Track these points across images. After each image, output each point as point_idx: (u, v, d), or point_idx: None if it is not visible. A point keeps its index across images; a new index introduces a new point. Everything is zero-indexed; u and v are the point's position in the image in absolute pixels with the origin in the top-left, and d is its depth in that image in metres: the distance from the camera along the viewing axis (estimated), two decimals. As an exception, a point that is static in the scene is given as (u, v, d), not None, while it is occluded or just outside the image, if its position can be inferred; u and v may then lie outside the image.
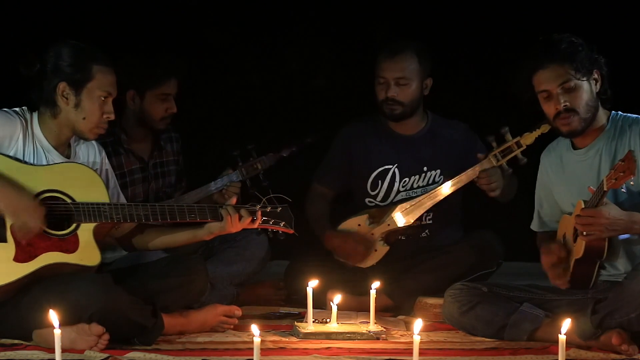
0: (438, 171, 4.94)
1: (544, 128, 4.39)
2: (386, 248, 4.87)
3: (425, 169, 4.94)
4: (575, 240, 4.05)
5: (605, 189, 3.82)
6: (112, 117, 4.02)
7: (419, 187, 4.94)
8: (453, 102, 5.31)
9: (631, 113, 4.12)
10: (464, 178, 4.70)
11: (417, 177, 4.94)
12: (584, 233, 3.92)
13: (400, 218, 4.82)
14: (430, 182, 4.94)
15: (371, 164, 4.96)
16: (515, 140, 4.59)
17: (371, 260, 4.88)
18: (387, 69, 4.82)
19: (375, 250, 4.88)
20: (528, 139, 4.54)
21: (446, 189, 4.75)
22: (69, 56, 3.96)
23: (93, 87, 3.96)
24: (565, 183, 4.18)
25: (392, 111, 4.87)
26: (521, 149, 4.58)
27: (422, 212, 4.82)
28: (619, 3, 5.52)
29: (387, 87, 4.83)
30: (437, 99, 4.96)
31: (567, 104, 4.00)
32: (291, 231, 4.23)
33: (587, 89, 4.02)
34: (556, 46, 4.02)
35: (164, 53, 4.76)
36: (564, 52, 4.01)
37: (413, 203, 4.82)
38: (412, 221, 4.82)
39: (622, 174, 3.75)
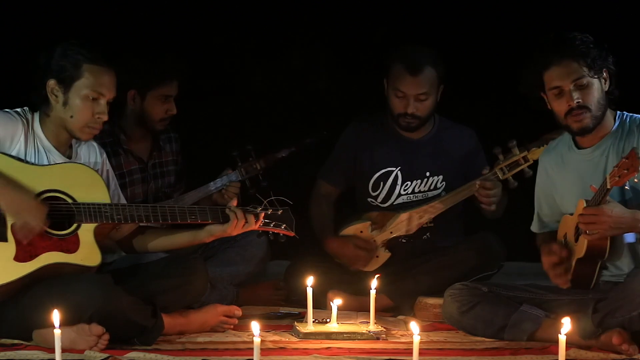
0: (440, 177, 4.92)
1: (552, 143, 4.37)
2: (388, 254, 4.87)
3: (427, 174, 4.93)
4: (576, 240, 4.05)
5: (608, 186, 3.80)
6: (105, 118, 4.00)
7: (420, 192, 4.93)
8: (460, 106, 5.29)
9: (635, 113, 4.12)
10: (467, 191, 4.70)
11: (419, 181, 4.93)
12: (587, 232, 3.91)
13: (404, 227, 4.82)
14: (432, 187, 4.93)
15: (374, 164, 4.95)
16: (522, 154, 4.57)
17: (372, 266, 4.88)
18: (408, 86, 4.76)
19: (377, 257, 4.88)
20: (535, 153, 4.51)
21: (451, 200, 4.76)
22: (60, 54, 3.96)
23: (81, 86, 3.96)
24: (567, 182, 4.18)
25: (409, 124, 4.85)
26: (528, 163, 4.56)
27: (425, 221, 4.82)
28: (624, 3, 5.51)
29: (406, 102, 4.79)
30: (445, 102, 4.93)
31: (580, 100, 3.99)
32: (292, 234, 4.23)
33: (598, 87, 4.02)
34: (570, 42, 4.01)
35: (166, 54, 4.75)
36: (578, 49, 4.00)
37: (417, 212, 4.81)
38: (415, 230, 4.82)
39: (625, 171, 3.74)
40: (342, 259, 4.91)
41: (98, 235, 3.96)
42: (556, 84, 4.02)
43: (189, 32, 5.68)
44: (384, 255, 4.88)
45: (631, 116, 4.10)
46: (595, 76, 4.00)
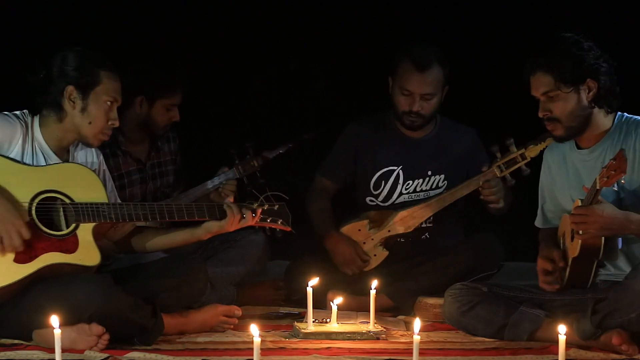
0: (442, 176, 4.92)
1: (549, 141, 4.37)
2: (385, 253, 4.86)
3: (429, 173, 4.93)
4: (572, 240, 4.05)
5: (598, 187, 3.82)
6: (117, 124, 4.04)
7: (422, 190, 4.93)
8: (460, 106, 5.29)
9: (635, 114, 4.12)
10: (466, 189, 4.71)
11: (420, 180, 4.93)
12: (580, 232, 3.92)
13: (402, 226, 4.82)
14: (434, 186, 4.93)
15: (376, 163, 4.95)
16: (519, 152, 4.58)
17: (370, 265, 4.87)
18: (415, 84, 4.76)
19: (375, 255, 4.87)
20: (533, 151, 4.53)
21: (449, 198, 4.76)
22: (77, 61, 3.96)
23: (100, 92, 3.97)
24: (567, 181, 4.19)
25: (412, 123, 4.85)
26: (525, 161, 4.58)
27: (423, 219, 4.82)
28: (623, 4, 5.51)
29: (412, 100, 4.79)
30: (446, 102, 4.92)
31: (548, 113, 4.04)
32: (288, 229, 4.24)
33: (573, 98, 4.01)
34: (544, 54, 4.02)
35: (178, 63, 4.73)
36: (549, 62, 4.00)
37: (415, 210, 4.81)
38: (413, 228, 4.82)
39: (613, 172, 3.76)
40: (337, 258, 4.89)
41: (96, 235, 3.96)
42: (532, 93, 4.08)
43: (188, 31, 5.67)
44: (381, 253, 4.88)
45: (630, 117, 4.10)
46: (568, 89, 3.99)
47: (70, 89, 3.95)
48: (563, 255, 4.12)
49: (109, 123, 4.01)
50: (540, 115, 4.06)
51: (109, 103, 3.99)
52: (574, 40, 4.02)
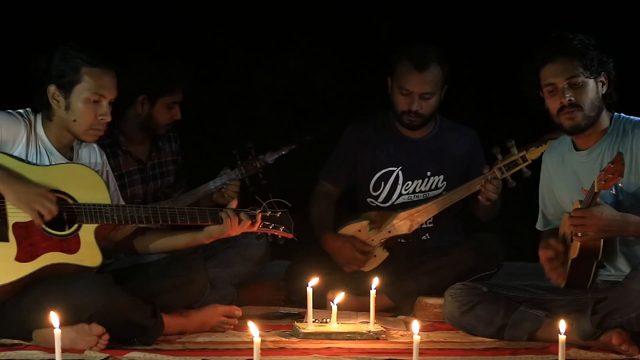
0: (441, 177, 4.92)
1: (551, 143, 4.37)
2: (385, 254, 4.87)
3: (428, 173, 4.93)
4: (571, 241, 4.06)
5: (596, 190, 3.83)
6: (108, 118, 4.02)
7: (421, 191, 4.93)
8: (461, 107, 5.29)
9: (633, 115, 4.12)
10: (466, 191, 4.71)
11: (420, 181, 4.93)
12: (578, 234, 3.93)
13: (402, 227, 4.82)
14: (433, 187, 4.93)
15: (375, 164, 4.95)
16: (520, 154, 4.58)
17: (370, 266, 4.88)
18: (414, 83, 4.76)
19: (375, 256, 4.88)
20: (534, 153, 4.53)
21: (449, 200, 4.76)
22: (59, 59, 3.96)
23: (82, 90, 3.96)
24: (566, 182, 4.19)
25: (412, 122, 4.85)
26: (526, 163, 4.57)
27: (424, 220, 4.83)
28: (624, 6, 5.51)
29: (411, 100, 4.79)
30: (446, 102, 4.93)
31: (572, 98, 4.00)
32: (290, 236, 4.24)
33: (593, 87, 4.03)
34: (568, 41, 4.03)
35: (178, 62, 4.73)
36: (575, 48, 4.01)
37: (415, 211, 4.81)
38: (413, 229, 4.82)
39: (611, 175, 3.76)
40: (338, 258, 4.90)
41: (98, 237, 3.96)
42: (550, 80, 4.04)
43: (188, 30, 5.67)
44: (381, 254, 4.88)
45: (627, 118, 4.11)
46: (591, 77, 4.01)
47: (52, 88, 3.95)
48: (564, 254, 4.12)
49: (99, 118, 3.99)
50: (564, 101, 3.99)
51: (94, 100, 3.97)
52: (586, 37, 4.05)
